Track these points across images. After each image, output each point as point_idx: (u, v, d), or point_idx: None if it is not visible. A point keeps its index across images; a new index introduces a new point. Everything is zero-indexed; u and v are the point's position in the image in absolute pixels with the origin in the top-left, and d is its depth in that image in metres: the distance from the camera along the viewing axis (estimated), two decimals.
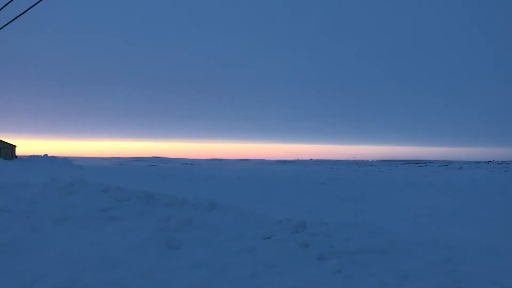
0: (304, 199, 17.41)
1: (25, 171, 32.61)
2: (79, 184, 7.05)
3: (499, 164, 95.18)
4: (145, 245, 4.64)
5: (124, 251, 4.51)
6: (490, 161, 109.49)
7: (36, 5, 5.60)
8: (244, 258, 4.29)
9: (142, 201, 6.71)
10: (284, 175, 44.79)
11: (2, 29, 6.32)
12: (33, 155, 59.83)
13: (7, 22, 9.74)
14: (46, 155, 54.56)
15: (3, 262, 4.48)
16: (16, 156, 60.80)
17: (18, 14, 8.95)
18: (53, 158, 54.05)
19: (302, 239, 4.80)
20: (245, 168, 77.88)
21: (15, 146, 61.20)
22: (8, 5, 6.09)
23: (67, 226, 5.30)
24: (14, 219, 5.82)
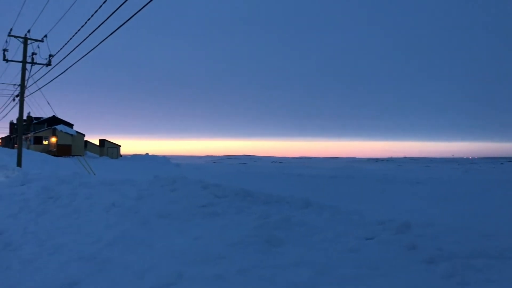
0: (400, 198, 16.62)
1: (129, 169, 35.26)
2: (180, 181, 7.37)
3: None
4: (246, 241, 4.69)
5: (226, 246, 4.60)
6: None
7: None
8: (346, 259, 4.15)
9: (239, 197, 6.83)
10: (377, 174, 43.23)
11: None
12: (136, 154, 64.40)
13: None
14: (147, 153, 58.40)
15: (117, 253, 4.82)
16: (121, 155, 66.00)
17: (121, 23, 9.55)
18: (153, 156, 57.65)
19: (407, 240, 4.53)
20: (335, 167, 76.49)
21: (120, 146, 66.44)
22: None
23: (172, 221, 5.55)
24: (124, 213, 6.25)
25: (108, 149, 64.88)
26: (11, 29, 23.62)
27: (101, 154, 63.49)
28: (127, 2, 10.67)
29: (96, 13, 12.32)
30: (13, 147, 60.36)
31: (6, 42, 24.61)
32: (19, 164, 24.73)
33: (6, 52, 24.35)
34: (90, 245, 5.32)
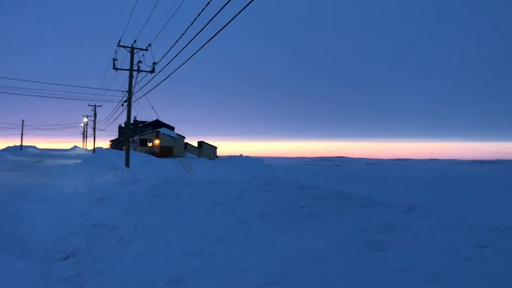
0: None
1: (225, 169, 36.59)
2: (277, 182, 7.46)
3: None
4: (347, 244, 4.60)
5: (327, 248, 4.55)
6: None
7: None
8: (458, 267, 3.87)
9: (337, 200, 6.71)
10: (483, 177, 39.91)
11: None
12: (231, 155, 66.52)
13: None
14: (241, 155, 60.02)
15: (221, 250, 5.02)
16: (217, 156, 68.70)
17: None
18: (247, 157, 59.08)
19: None
20: (435, 169, 72.04)
21: (216, 147, 69.19)
22: None
23: (271, 221, 5.63)
24: (226, 212, 6.49)
25: (205, 150, 67.94)
26: (119, 40, 25.76)
27: (199, 155, 66.67)
28: (221, 10, 11.07)
29: (192, 24, 12.96)
30: (121, 149, 65.78)
31: (116, 52, 26.88)
32: (127, 164, 26.86)
33: (115, 62, 26.60)
34: (195, 242, 5.60)
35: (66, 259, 6.73)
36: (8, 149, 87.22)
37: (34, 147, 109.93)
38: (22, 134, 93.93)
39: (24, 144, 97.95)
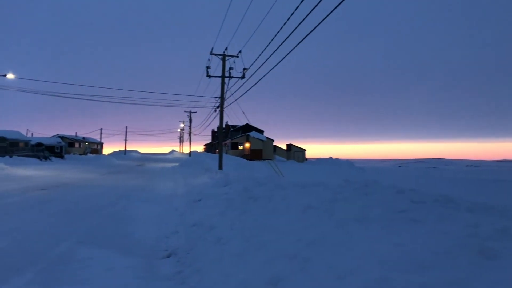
0: None
1: (315, 172, 36.33)
2: (373, 186, 7.21)
3: None
4: (454, 251, 4.28)
5: (432, 255, 4.28)
6: None
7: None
8: None
9: (439, 204, 6.31)
10: None
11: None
12: (320, 158, 65.92)
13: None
14: (330, 157, 59.24)
15: (318, 253, 4.96)
16: (306, 159, 68.51)
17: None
18: (337, 160, 58.13)
19: None
20: None
21: (305, 150, 69.03)
22: None
23: (369, 225, 5.45)
24: (320, 215, 6.41)
25: (294, 153, 68.14)
26: (212, 49, 26.82)
27: (288, 158, 67.05)
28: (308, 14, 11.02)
29: (281, 28, 13.06)
30: (214, 152, 68.40)
31: (209, 60, 28.02)
32: (220, 167, 27.82)
33: (208, 69, 27.72)
34: (291, 244, 5.60)
35: (168, 257, 7.12)
36: (114, 153, 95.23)
37: (136, 151, 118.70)
38: (125, 140, 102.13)
39: (127, 149, 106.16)
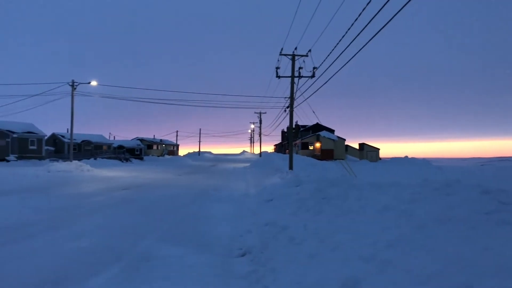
0: None
1: (389, 172, 35.10)
2: (456, 185, 6.79)
3: None
4: None
5: None
6: None
7: None
8: None
9: None
10: None
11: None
12: (394, 157, 63.58)
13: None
14: (406, 156, 56.91)
15: (397, 255, 4.76)
16: (380, 158, 66.41)
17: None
18: (412, 159, 55.71)
19: None
20: None
21: (379, 149, 66.95)
22: None
23: (452, 227, 5.13)
24: (398, 216, 6.16)
25: (367, 152, 66.37)
26: (281, 49, 26.87)
27: (360, 158, 65.46)
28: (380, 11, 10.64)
29: (352, 25, 12.74)
30: (284, 153, 68.53)
31: (278, 61, 28.11)
32: (290, 167, 27.79)
33: (278, 70, 27.81)
34: (367, 245, 5.44)
35: (243, 256, 7.23)
36: (189, 155, 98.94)
37: (209, 152, 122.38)
38: (199, 141, 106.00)
39: (201, 150, 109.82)
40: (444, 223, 5.30)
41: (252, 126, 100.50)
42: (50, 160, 49.57)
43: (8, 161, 46.42)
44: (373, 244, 5.43)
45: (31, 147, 52.11)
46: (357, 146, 69.08)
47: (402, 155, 61.30)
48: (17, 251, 7.28)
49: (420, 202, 6.42)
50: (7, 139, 48.60)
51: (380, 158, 66.58)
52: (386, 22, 11.30)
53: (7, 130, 48.92)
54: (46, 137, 56.00)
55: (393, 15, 10.74)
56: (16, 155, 48.81)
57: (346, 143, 65.59)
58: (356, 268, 4.92)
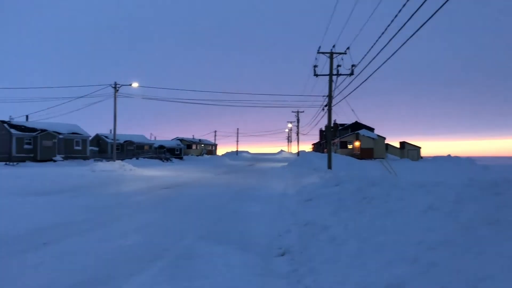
0: None
1: (431, 171, 34.07)
2: (505, 184, 6.50)
3: None
4: None
5: None
6: None
7: None
8: None
9: None
10: None
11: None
12: (437, 156, 61.69)
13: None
14: (449, 155, 55.09)
15: (442, 257, 4.62)
16: (421, 157, 64.63)
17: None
18: (456, 158, 53.84)
19: None
20: None
21: (420, 147, 65.16)
22: None
23: (503, 229, 4.91)
24: (443, 217, 5.97)
25: (408, 151, 64.75)
26: (319, 47, 26.62)
27: (401, 156, 63.94)
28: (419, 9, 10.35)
29: (392, 22, 12.47)
30: (322, 152, 67.90)
31: (316, 59, 27.87)
32: (329, 166, 27.51)
33: (316, 68, 27.57)
34: (411, 246, 5.31)
35: (282, 255, 7.22)
36: (227, 154, 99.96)
37: (247, 152, 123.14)
38: (237, 141, 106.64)
39: (239, 149, 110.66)
40: (493, 225, 5.09)
41: (290, 125, 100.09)
42: (94, 160, 51.44)
43: (55, 161, 48.51)
44: (416, 245, 5.29)
45: (76, 148, 54.22)
46: (397, 145, 67.52)
47: (445, 154, 59.34)
48: (69, 247, 7.58)
49: (466, 203, 6.19)
50: (54, 140, 50.76)
51: (421, 157, 64.78)
52: (430, 16, 11.00)
53: (54, 131, 51.09)
54: (90, 138, 58.10)
55: (437, 9, 10.43)
56: (63, 156, 50.92)
57: (386, 141, 64.21)
58: (400, 270, 4.81)
